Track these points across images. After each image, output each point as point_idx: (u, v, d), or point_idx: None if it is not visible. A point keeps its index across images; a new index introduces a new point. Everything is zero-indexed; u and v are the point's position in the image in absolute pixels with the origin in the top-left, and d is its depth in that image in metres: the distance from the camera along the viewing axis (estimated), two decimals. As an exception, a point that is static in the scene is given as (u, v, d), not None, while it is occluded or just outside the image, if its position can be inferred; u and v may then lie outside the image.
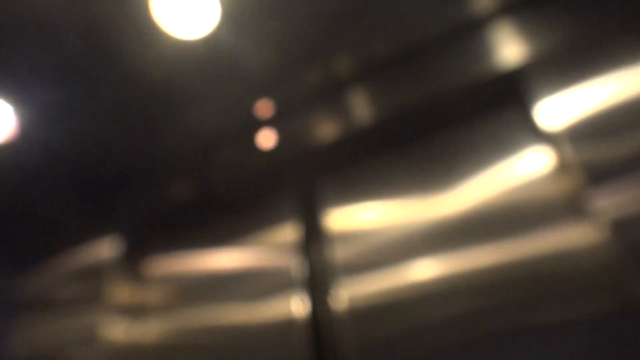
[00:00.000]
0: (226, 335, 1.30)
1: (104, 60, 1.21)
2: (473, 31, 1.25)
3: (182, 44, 1.20)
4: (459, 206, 1.15)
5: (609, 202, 0.86)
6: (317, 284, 1.27)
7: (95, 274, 1.51)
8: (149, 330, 1.44)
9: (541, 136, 1.11)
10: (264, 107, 1.41)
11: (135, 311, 1.49)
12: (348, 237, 1.27)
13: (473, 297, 1.03)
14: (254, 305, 1.30)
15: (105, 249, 1.53)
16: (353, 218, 1.30)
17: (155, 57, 1.23)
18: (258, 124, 1.45)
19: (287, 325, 1.23)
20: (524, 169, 1.11)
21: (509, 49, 1.16)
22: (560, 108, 1.00)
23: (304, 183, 1.46)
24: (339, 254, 1.26)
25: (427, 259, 1.13)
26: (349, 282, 1.21)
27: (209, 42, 1.20)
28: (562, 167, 1.04)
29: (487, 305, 1.01)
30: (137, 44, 1.18)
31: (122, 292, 1.50)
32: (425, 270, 1.12)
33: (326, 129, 1.35)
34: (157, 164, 1.57)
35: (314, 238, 1.34)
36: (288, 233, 1.37)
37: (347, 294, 1.20)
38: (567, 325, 0.90)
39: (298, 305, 1.24)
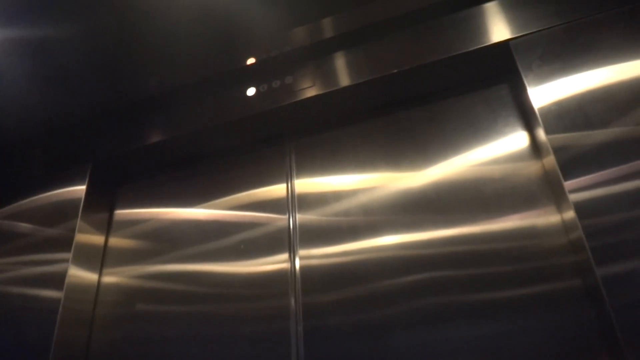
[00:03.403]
0: (201, 282, 1.33)
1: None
2: (464, 5, 1.23)
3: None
4: (424, 180, 1.18)
5: (577, 187, 0.92)
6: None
7: (68, 214, 1.46)
8: (118, 274, 1.44)
9: (520, 118, 1.15)
10: (249, 60, 1.38)
11: (104, 256, 1.49)
12: (311, 201, 1.29)
13: (429, 268, 1.09)
14: (229, 257, 1.33)
15: (77, 191, 1.49)
16: (318, 182, 1.32)
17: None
18: (243, 76, 1.41)
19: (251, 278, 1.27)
20: (499, 148, 1.15)
21: (499, 28, 1.17)
22: (542, 93, 1.04)
23: (279, 142, 1.44)
24: (301, 216, 1.28)
25: (386, 229, 1.18)
26: (307, 244, 1.25)
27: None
28: (537, 149, 1.09)
29: (443, 276, 1.06)
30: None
31: (92, 236, 1.48)
32: (382, 240, 1.18)
33: (306, 91, 1.33)
34: (136, 107, 1.51)
35: (287, 197, 1.35)
36: (266, 191, 1.38)
37: (302, 255, 1.23)
38: (525, 302, 0.98)
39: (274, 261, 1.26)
